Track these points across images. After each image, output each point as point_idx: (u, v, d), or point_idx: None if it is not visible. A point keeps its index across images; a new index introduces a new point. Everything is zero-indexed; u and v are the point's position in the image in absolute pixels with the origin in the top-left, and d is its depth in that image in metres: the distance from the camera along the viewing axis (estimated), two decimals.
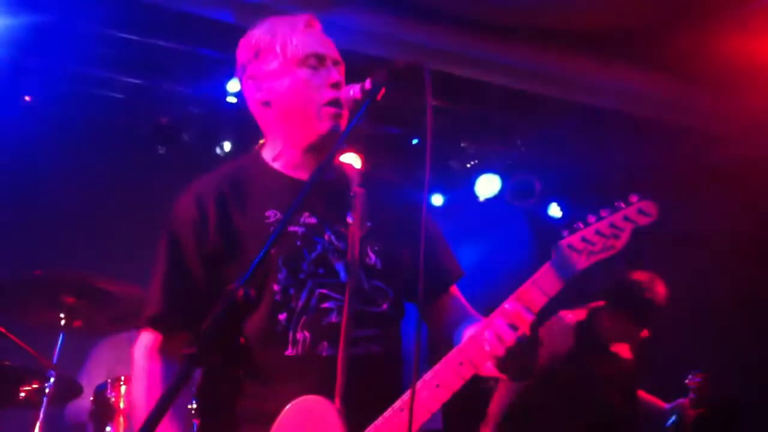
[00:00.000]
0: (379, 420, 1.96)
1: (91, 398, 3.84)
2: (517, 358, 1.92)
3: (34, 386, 3.78)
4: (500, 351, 1.89)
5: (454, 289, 2.36)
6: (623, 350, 4.46)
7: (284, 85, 2.18)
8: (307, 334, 2.02)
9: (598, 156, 6.51)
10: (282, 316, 2.04)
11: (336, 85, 2.14)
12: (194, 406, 3.65)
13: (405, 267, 2.13)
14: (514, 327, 1.90)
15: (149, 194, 5.43)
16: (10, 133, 5.06)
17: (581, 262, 1.98)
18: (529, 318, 1.90)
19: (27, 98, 5.12)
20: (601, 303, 4.38)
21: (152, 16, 5.06)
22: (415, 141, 6.15)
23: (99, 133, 5.39)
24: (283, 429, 1.97)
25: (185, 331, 2.13)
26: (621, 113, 5.95)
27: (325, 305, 2.06)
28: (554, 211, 6.64)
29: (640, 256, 4.12)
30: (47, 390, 3.65)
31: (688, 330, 5.85)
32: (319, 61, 2.18)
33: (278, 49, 2.19)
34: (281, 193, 2.13)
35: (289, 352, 2.02)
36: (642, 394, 4.74)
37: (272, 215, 2.12)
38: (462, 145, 6.41)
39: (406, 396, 1.96)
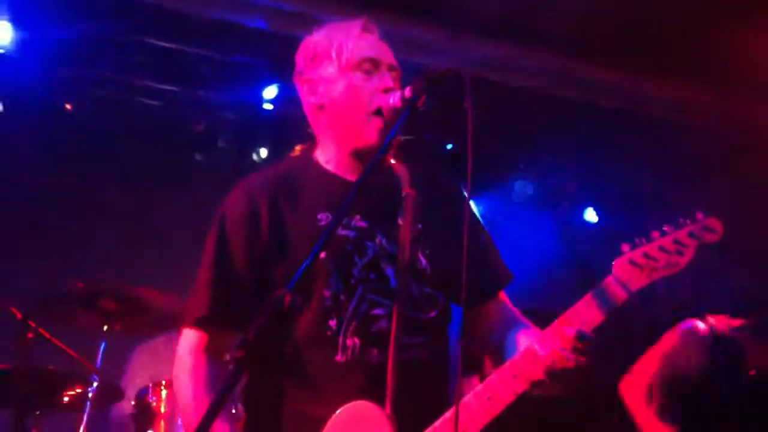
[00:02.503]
0: (429, 429, 1.95)
1: (133, 402, 3.90)
2: (568, 378, 1.91)
3: (78, 390, 3.86)
4: (557, 370, 1.89)
5: (503, 295, 2.34)
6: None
7: (338, 89, 2.19)
8: (357, 340, 2.02)
9: (632, 161, 6.46)
10: (332, 322, 2.04)
11: (389, 90, 2.14)
12: (238, 408, 3.71)
13: (454, 270, 2.07)
14: (574, 348, 1.88)
15: (186, 201, 5.51)
16: (51, 142, 5.15)
17: (643, 279, 1.96)
18: (588, 339, 1.89)
19: (68, 106, 5.20)
20: (745, 321, 3.88)
21: (188, 24, 5.13)
22: (449, 146, 6.14)
23: (137, 140, 5.46)
24: (334, 430, 1.96)
25: (230, 331, 2.13)
26: (654, 118, 5.91)
27: (375, 311, 2.05)
28: (590, 216, 6.59)
29: None
30: (90, 394, 3.71)
31: None
32: (373, 66, 2.18)
33: (334, 54, 2.20)
34: (334, 195, 2.12)
35: (339, 357, 2.02)
36: None
37: (324, 218, 2.11)
38: (495, 151, 6.38)
39: (448, 415, 1.95)
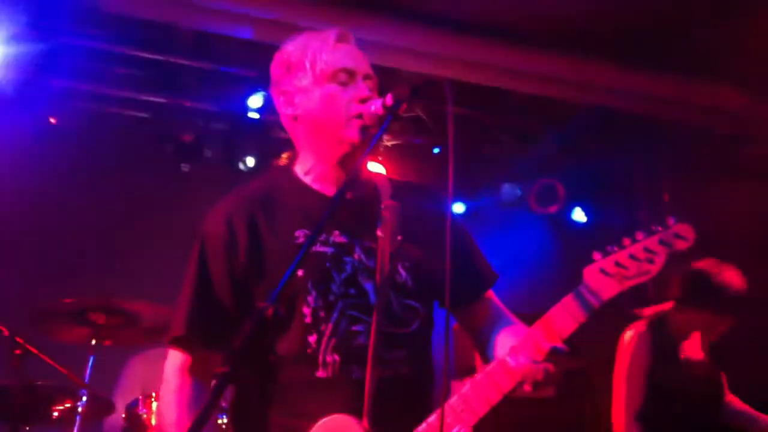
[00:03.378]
0: None
1: (123, 415, 3.89)
2: (543, 384, 1.91)
3: (68, 405, 3.84)
4: (528, 386, 1.91)
5: (490, 294, 2.34)
6: (695, 352, 3.94)
7: (314, 100, 2.18)
8: (336, 357, 2.02)
9: (621, 159, 6.48)
10: (312, 338, 2.04)
11: (365, 100, 2.13)
12: (225, 420, 3.70)
13: (438, 279, 2.09)
14: (543, 361, 1.90)
15: (175, 211, 5.49)
16: (36, 155, 5.13)
17: (614, 287, 1.94)
18: (561, 353, 1.90)
19: (52, 120, 5.19)
20: (670, 304, 3.97)
21: (173, 35, 5.13)
22: (436, 150, 6.15)
23: (124, 152, 5.45)
24: None
25: (213, 352, 2.14)
26: (644, 115, 5.92)
27: (355, 328, 2.05)
28: (578, 215, 6.61)
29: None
30: (80, 408, 3.70)
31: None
32: (349, 76, 2.17)
33: (308, 64, 2.19)
34: (312, 210, 2.12)
35: (320, 373, 2.02)
36: (734, 401, 4.11)
37: (301, 235, 2.11)
38: (484, 152, 6.40)
39: (431, 419, 1.96)
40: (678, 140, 6.17)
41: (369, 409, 1.93)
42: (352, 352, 2.02)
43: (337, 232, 2.12)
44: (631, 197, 6.61)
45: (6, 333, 3.71)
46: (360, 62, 2.22)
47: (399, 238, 2.13)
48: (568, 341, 1.96)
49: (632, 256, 1.93)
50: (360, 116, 2.12)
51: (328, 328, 2.04)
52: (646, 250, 1.93)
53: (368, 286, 2.09)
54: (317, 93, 2.18)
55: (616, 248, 1.96)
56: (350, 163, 2.15)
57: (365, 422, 1.93)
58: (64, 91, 5.20)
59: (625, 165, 6.52)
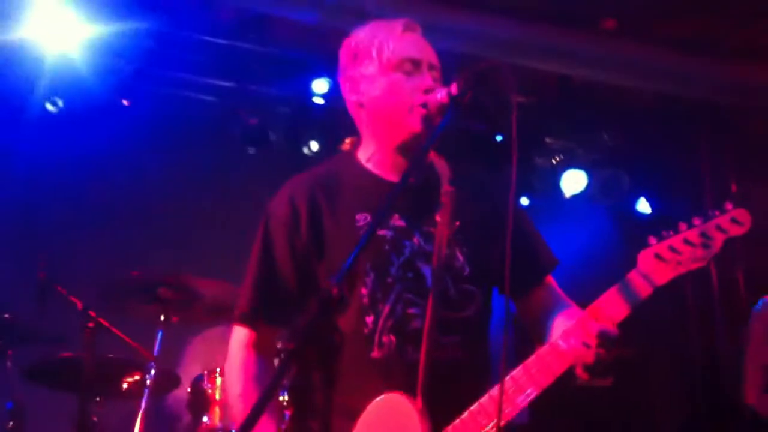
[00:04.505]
0: (457, 421, 1.99)
1: (189, 389, 4.01)
2: (597, 371, 1.92)
3: (136, 378, 3.98)
4: (580, 370, 1.92)
5: (550, 279, 2.34)
6: None
7: (378, 88, 2.22)
8: (392, 338, 2.08)
9: (688, 149, 6.36)
10: (369, 319, 2.10)
11: (429, 91, 2.16)
12: (286, 398, 3.79)
13: (496, 265, 2.11)
14: (597, 345, 1.90)
15: (240, 193, 5.60)
16: (108, 136, 5.29)
17: (668, 273, 1.92)
18: (610, 337, 1.90)
19: (125, 102, 5.33)
20: None
21: (239, 20, 5.22)
22: (499, 138, 6.12)
23: (192, 135, 5.57)
24: (368, 424, 2.03)
25: (275, 327, 2.22)
26: (710, 103, 5.79)
27: (411, 311, 2.10)
28: (643, 206, 6.50)
29: None
30: (148, 381, 3.82)
31: None
32: (414, 66, 2.20)
33: (374, 52, 2.23)
34: (372, 195, 2.17)
35: (375, 354, 2.08)
36: None
37: (362, 219, 2.16)
38: (547, 140, 6.34)
39: (483, 400, 1.98)
40: (746, 129, 6.02)
41: (423, 389, 1.97)
42: (407, 335, 2.07)
43: (396, 216, 2.17)
44: (696, 188, 6.48)
45: (80, 307, 3.86)
46: (425, 52, 2.25)
47: (457, 223, 2.16)
48: (624, 330, 1.95)
49: (687, 241, 1.92)
50: (424, 105, 2.15)
51: (384, 310, 2.10)
52: (702, 235, 1.91)
53: (425, 270, 2.12)
54: (382, 81, 2.21)
55: (671, 233, 1.94)
56: (411, 150, 2.18)
57: (419, 402, 1.97)
58: (135, 74, 5.34)
59: (692, 155, 6.39)
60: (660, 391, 6.21)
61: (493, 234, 2.14)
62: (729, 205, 1.94)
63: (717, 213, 1.94)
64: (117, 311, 4.13)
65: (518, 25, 5.15)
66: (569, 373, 1.98)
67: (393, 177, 2.23)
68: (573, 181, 6.28)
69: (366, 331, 2.09)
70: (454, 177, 2.25)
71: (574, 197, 6.32)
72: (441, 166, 2.30)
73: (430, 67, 2.23)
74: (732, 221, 1.93)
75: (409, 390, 1.99)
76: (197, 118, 5.64)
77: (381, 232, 2.14)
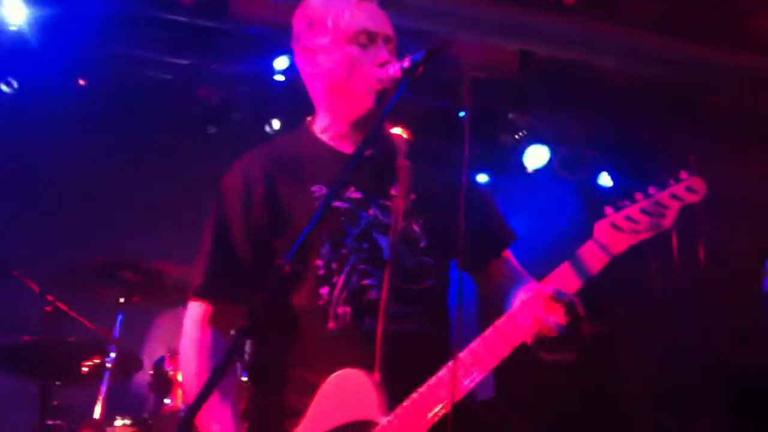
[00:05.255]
0: (416, 395, 1.96)
1: (150, 372, 3.98)
2: (556, 345, 1.92)
3: (96, 361, 3.94)
4: (535, 335, 1.91)
5: (507, 254, 2.34)
6: None
7: (333, 60, 2.18)
8: (348, 309, 2.06)
9: (649, 124, 6.41)
10: (324, 291, 2.07)
11: (383, 64, 2.14)
12: (246, 378, 3.79)
13: (453, 237, 2.06)
14: (551, 310, 1.89)
15: (201, 174, 5.53)
16: (65, 116, 5.20)
17: (624, 242, 1.94)
18: (564, 299, 1.89)
19: (81, 81, 5.23)
20: None
21: None
22: (462, 114, 6.11)
23: (151, 115, 5.49)
24: (324, 400, 2.01)
25: (232, 303, 2.16)
26: (672, 82, 5.83)
27: (366, 282, 2.08)
28: (605, 180, 6.56)
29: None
30: (108, 364, 3.78)
31: None
32: (369, 38, 2.17)
33: (330, 23, 2.19)
34: (328, 166, 2.15)
35: (330, 325, 2.05)
36: None
37: (317, 190, 2.14)
38: (510, 116, 6.35)
39: (440, 373, 1.96)
40: (705, 105, 6.09)
41: (380, 362, 1.97)
42: (362, 305, 2.06)
43: (352, 188, 2.15)
44: (658, 162, 6.54)
45: (37, 290, 3.81)
46: (381, 23, 2.22)
47: (413, 196, 2.15)
48: (591, 305, 1.96)
49: (643, 210, 1.93)
50: (379, 80, 2.13)
51: (339, 281, 2.07)
52: (657, 204, 1.94)
53: (382, 241, 2.11)
54: (337, 54, 2.18)
55: (627, 203, 1.96)
56: (366, 124, 2.16)
57: (377, 376, 1.96)
58: (92, 52, 5.23)
59: (652, 129, 6.44)
60: (627, 363, 6.31)
61: (450, 207, 2.10)
62: (684, 174, 1.96)
63: (672, 182, 1.96)
64: (77, 295, 4.07)
65: (480, 2, 5.12)
66: (532, 347, 1.98)
67: (347, 148, 2.21)
68: (535, 156, 6.31)
69: (321, 302, 2.07)
70: (412, 150, 2.24)
71: (537, 172, 6.35)
72: (398, 139, 2.29)
73: (386, 40, 2.20)
74: (687, 189, 1.95)
75: (366, 361, 1.98)
76: (156, 98, 5.55)
77: (337, 204, 2.11)
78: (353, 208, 2.13)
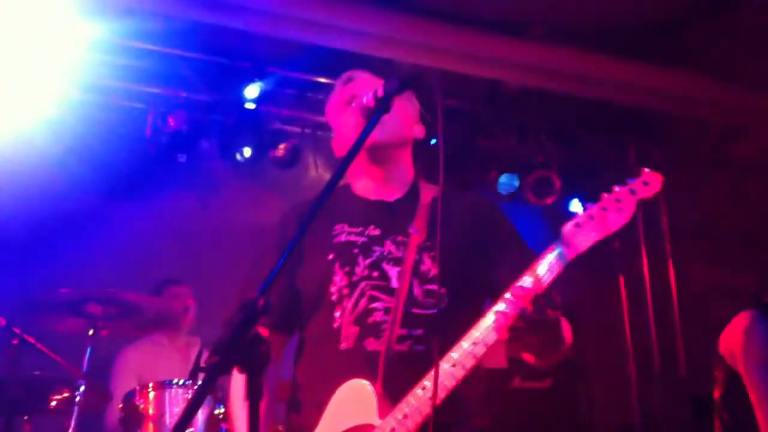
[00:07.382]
0: (402, 401, 2.06)
1: (120, 405, 3.91)
2: (527, 335, 1.97)
3: (65, 395, 3.87)
4: (506, 327, 1.95)
5: None
6: None
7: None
8: (355, 329, 2.20)
9: (616, 151, 6.50)
10: (337, 314, 2.24)
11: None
12: (222, 410, 3.74)
13: (464, 269, 2.25)
14: (518, 305, 1.94)
15: (171, 203, 5.51)
16: (32, 145, 5.14)
17: (586, 240, 2.01)
18: (530, 293, 1.93)
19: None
20: None
21: (168, 26, 5.14)
22: (433, 141, 6.15)
23: (121, 143, 5.47)
24: (332, 410, 2.16)
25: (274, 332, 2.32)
26: (639, 107, 5.93)
27: (374, 305, 2.22)
28: (575, 207, 6.63)
29: None
30: (77, 398, 3.72)
31: None
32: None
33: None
34: (353, 209, 2.37)
35: (342, 346, 2.20)
36: None
37: (339, 229, 2.33)
38: (480, 145, 6.40)
39: (425, 379, 2.05)
40: (673, 132, 6.20)
41: (382, 376, 2.11)
42: (367, 326, 2.19)
43: (372, 226, 2.32)
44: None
45: (3, 323, 3.74)
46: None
47: (429, 233, 2.28)
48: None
49: (604, 208, 2.02)
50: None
51: (349, 304, 2.23)
52: (617, 200, 2.02)
53: (392, 272, 2.25)
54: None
55: (592, 204, 2.04)
56: (375, 160, 2.38)
57: (378, 387, 2.10)
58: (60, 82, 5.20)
59: (621, 155, 6.54)
60: (599, 391, 6.34)
61: (470, 247, 2.28)
62: (644, 170, 2.05)
63: (632, 179, 2.05)
64: (43, 327, 4.01)
65: (449, 30, 5.19)
66: (509, 372, 2.02)
67: (373, 196, 2.41)
68: (506, 184, 6.37)
69: (335, 325, 2.22)
70: (437, 198, 2.35)
71: (509, 199, 6.40)
72: (426, 188, 2.43)
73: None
74: (643, 183, 2.04)
75: (372, 378, 2.12)
76: (127, 126, 5.53)
77: (353, 238, 2.30)
78: (368, 242, 2.30)
